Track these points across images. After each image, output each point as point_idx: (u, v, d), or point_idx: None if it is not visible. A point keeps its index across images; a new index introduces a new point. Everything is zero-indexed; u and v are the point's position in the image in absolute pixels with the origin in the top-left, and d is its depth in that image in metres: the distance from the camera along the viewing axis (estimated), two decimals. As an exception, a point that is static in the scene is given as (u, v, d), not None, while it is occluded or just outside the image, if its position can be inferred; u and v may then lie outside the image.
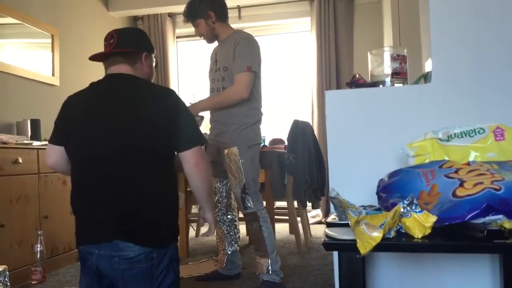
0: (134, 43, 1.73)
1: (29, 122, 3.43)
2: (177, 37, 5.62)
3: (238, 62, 2.43)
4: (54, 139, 1.68)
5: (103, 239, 1.49)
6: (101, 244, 1.49)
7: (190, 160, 1.61)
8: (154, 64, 1.86)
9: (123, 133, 1.53)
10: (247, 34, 2.54)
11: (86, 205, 1.57)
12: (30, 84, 3.78)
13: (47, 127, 3.71)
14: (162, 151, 1.57)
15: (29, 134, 3.39)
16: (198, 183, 1.65)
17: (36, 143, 3.13)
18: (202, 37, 2.61)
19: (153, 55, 1.83)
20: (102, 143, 1.53)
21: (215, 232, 2.81)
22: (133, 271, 1.48)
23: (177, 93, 1.72)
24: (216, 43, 2.66)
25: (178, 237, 1.66)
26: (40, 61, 3.97)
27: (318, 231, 4.29)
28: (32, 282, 2.81)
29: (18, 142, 3.01)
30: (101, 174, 1.52)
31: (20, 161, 2.88)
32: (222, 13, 2.57)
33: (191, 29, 5.54)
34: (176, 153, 1.62)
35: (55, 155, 1.69)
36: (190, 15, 2.57)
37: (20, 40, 3.82)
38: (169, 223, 1.59)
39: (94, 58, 1.78)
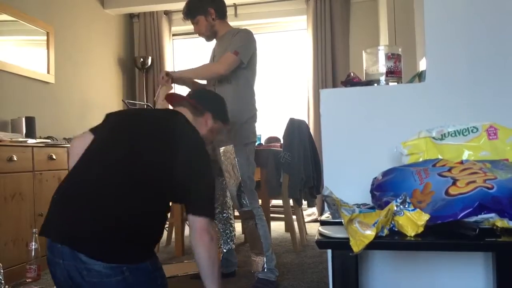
0: (205, 100, 1.88)
1: (24, 119, 3.41)
2: (173, 35, 5.61)
3: (229, 47, 2.46)
4: (94, 129, 1.71)
5: (65, 241, 1.41)
6: (62, 252, 1.41)
7: (197, 228, 1.57)
8: (217, 131, 1.97)
9: (141, 158, 1.52)
10: (246, 29, 2.58)
11: (69, 202, 1.49)
12: (25, 82, 3.77)
13: (42, 125, 3.71)
14: (166, 189, 1.55)
15: (24, 131, 3.38)
16: (202, 254, 1.59)
17: (30, 141, 3.12)
18: (201, 35, 2.61)
19: (220, 123, 1.94)
20: (118, 156, 1.53)
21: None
22: (106, 284, 1.40)
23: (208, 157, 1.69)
24: (215, 41, 2.67)
25: (156, 248, 1.57)
26: (35, 59, 3.96)
27: (314, 229, 4.30)
28: (27, 280, 2.80)
29: (12, 139, 2.99)
30: (101, 183, 1.48)
31: (15, 158, 2.87)
32: (221, 10, 2.59)
33: (187, 27, 5.57)
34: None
35: (85, 142, 1.65)
36: (190, 12, 2.56)
37: (15, 37, 3.81)
38: (142, 247, 1.50)
39: (170, 98, 1.94)
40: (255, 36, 2.58)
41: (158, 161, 1.55)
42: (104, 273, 1.39)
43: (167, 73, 2.42)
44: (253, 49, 2.52)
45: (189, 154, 1.59)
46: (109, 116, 1.75)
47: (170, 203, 1.69)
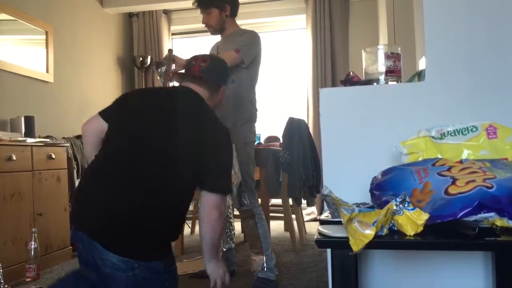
0: (220, 76, 1.87)
1: (23, 119, 3.41)
2: (172, 34, 5.60)
3: (234, 46, 2.46)
4: (102, 110, 1.69)
5: (85, 229, 1.45)
6: (82, 239, 1.45)
7: (207, 204, 1.59)
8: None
9: (172, 146, 1.54)
10: (253, 30, 2.59)
11: (95, 191, 1.50)
12: (24, 81, 3.76)
13: (41, 124, 3.70)
14: (193, 177, 1.58)
15: (23, 131, 3.38)
16: (206, 228, 1.62)
17: (30, 140, 3.12)
18: (208, 27, 2.59)
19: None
20: (148, 146, 1.54)
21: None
22: (117, 277, 1.43)
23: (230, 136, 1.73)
24: (217, 38, 2.66)
25: (171, 250, 1.60)
26: (34, 58, 3.95)
27: (313, 229, 4.30)
28: (26, 280, 2.80)
29: (12, 139, 2.99)
30: (131, 172, 1.50)
31: (14, 158, 2.87)
32: (235, 9, 2.60)
33: (186, 26, 5.57)
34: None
35: (97, 125, 1.67)
36: (206, 1, 2.53)
37: (14, 36, 3.80)
38: (161, 244, 1.53)
39: (178, 74, 1.87)
40: (251, 30, 2.60)
41: (190, 159, 1.56)
42: (116, 266, 1.41)
43: (170, 50, 2.44)
44: (257, 51, 2.52)
45: (214, 143, 1.63)
46: (126, 100, 1.72)
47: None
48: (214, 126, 1.68)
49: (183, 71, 1.80)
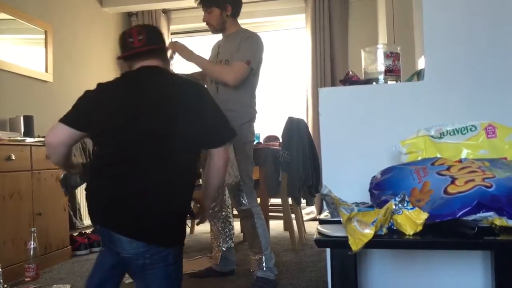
0: (160, 38, 1.79)
1: (22, 118, 3.41)
2: (172, 33, 5.60)
3: (240, 53, 2.44)
4: (70, 121, 1.64)
5: (108, 225, 1.53)
6: (106, 234, 1.54)
7: (218, 157, 1.67)
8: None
9: (164, 127, 1.57)
10: (256, 33, 2.57)
11: (108, 189, 1.56)
12: (23, 80, 3.76)
13: (41, 124, 3.69)
14: (195, 145, 1.64)
15: (22, 130, 3.37)
16: (219, 178, 1.71)
17: (29, 140, 3.11)
18: (209, 25, 2.58)
19: None
20: (144, 134, 1.56)
21: (210, 229, 2.82)
22: (133, 265, 1.53)
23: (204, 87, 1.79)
24: (219, 37, 2.66)
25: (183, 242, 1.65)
26: (33, 57, 3.95)
27: (313, 228, 4.30)
28: (26, 279, 2.80)
29: (11, 138, 2.99)
30: (137, 164, 1.54)
31: (13, 157, 2.87)
32: (237, 9, 2.59)
33: (185, 25, 5.57)
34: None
35: (63, 136, 1.64)
36: (207, 0, 2.52)
37: (13, 36, 3.80)
38: (173, 228, 1.59)
39: (124, 56, 1.77)
40: (253, 32, 2.59)
41: (188, 131, 1.60)
42: (133, 255, 1.50)
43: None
44: (261, 57, 2.53)
45: (199, 102, 1.65)
46: (97, 101, 1.65)
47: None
48: (190, 87, 1.69)
49: (129, 52, 1.72)
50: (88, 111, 1.64)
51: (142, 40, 1.68)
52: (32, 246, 2.83)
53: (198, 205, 1.91)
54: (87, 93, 1.68)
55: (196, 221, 1.87)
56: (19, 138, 3.07)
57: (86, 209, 1.86)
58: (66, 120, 1.64)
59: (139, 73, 1.69)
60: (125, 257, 1.53)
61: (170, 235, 1.56)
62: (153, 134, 1.56)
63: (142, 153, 1.54)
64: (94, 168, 1.64)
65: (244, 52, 2.44)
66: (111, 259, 1.64)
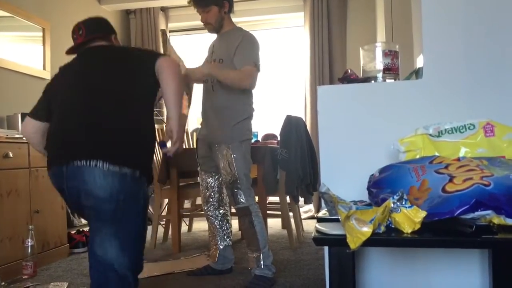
0: (101, 28, 1.93)
1: (19, 116, 3.40)
2: (170, 31, 5.59)
3: (245, 56, 2.44)
4: (34, 113, 1.85)
5: (67, 160, 1.59)
6: (65, 172, 1.60)
7: (162, 64, 1.70)
8: None
9: (99, 79, 1.70)
10: (250, 33, 2.57)
11: (60, 134, 1.68)
12: (20, 78, 3.75)
13: (38, 121, 3.68)
14: (136, 93, 1.71)
15: (20, 128, 3.36)
16: (168, 81, 1.69)
17: (27, 137, 3.10)
18: (207, 25, 2.58)
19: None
20: (80, 88, 1.70)
21: (208, 227, 2.82)
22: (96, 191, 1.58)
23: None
24: (213, 36, 2.65)
25: (151, 181, 1.74)
26: (31, 55, 3.93)
27: (311, 226, 4.30)
28: (23, 277, 2.79)
29: (8, 136, 2.98)
30: (80, 105, 1.66)
31: (11, 155, 2.86)
32: (232, 6, 2.60)
33: (183, 23, 5.56)
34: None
35: (32, 128, 1.84)
36: (204, 0, 2.53)
37: (11, 33, 3.78)
38: (137, 155, 1.66)
39: (70, 51, 1.95)
40: (252, 33, 2.60)
41: (118, 78, 1.72)
42: (98, 180, 1.55)
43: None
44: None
45: (145, 67, 1.75)
46: (49, 90, 1.87)
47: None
48: (121, 50, 1.91)
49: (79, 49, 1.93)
50: (47, 100, 1.82)
51: (82, 34, 1.87)
52: (29, 244, 2.83)
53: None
54: (50, 81, 1.88)
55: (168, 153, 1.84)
56: (16, 136, 3.06)
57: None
58: (31, 113, 1.85)
59: (85, 52, 1.87)
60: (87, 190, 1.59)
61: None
62: (93, 86, 1.70)
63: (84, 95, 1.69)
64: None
65: (248, 55, 2.45)
66: None
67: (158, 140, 1.86)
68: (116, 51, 1.87)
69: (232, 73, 2.46)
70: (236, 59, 2.45)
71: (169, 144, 1.77)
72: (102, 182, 1.54)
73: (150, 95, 1.78)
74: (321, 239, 1.10)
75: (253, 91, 2.60)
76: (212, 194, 2.71)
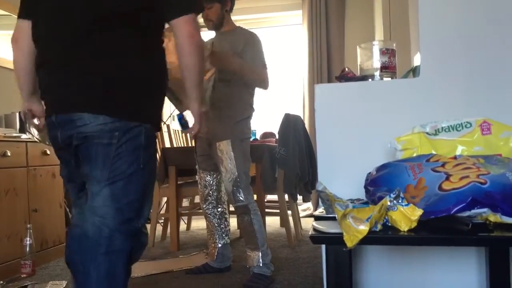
0: None
1: (17, 114, 3.39)
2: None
3: (258, 59, 2.50)
4: (20, 13, 1.58)
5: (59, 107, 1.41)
6: (56, 121, 1.41)
7: (183, 29, 1.39)
8: None
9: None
10: (254, 34, 2.60)
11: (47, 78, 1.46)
12: (18, 77, 3.73)
13: (36, 120, 3.68)
14: (138, 16, 1.39)
15: (18, 127, 3.36)
16: (190, 61, 1.42)
17: (24, 136, 3.10)
18: (207, 22, 2.56)
19: None
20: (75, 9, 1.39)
21: (206, 225, 2.82)
22: (93, 148, 1.36)
23: None
24: (210, 33, 2.65)
25: (152, 123, 1.45)
26: (29, 53, 3.92)
27: (309, 224, 4.30)
28: (22, 276, 2.80)
29: (6, 135, 2.98)
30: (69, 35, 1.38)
31: (9, 154, 2.86)
32: (233, 5, 2.61)
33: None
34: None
35: (22, 30, 1.59)
36: None
37: (8, 31, 3.77)
38: (138, 97, 1.40)
39: None
40: (251, 31, 2.62)
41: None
42: (95, 133, 1.34)
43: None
44: None
45: None
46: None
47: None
48: None
49: None
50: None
51: None
52: (28, 242, 2.83)
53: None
54: None
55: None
56: (14, 135, 3.06)
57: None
58: (18, 15, 1.58)
59: None
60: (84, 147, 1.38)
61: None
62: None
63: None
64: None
65: (258, 58, 2.51)
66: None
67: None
68: None
69: (256, 71, 2.52)
70: (251, 60, 2.49)
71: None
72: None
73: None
74: (318, 237, 1.10)
75: (254, 91, 2.61)
76: (210, 192, 2.72)
